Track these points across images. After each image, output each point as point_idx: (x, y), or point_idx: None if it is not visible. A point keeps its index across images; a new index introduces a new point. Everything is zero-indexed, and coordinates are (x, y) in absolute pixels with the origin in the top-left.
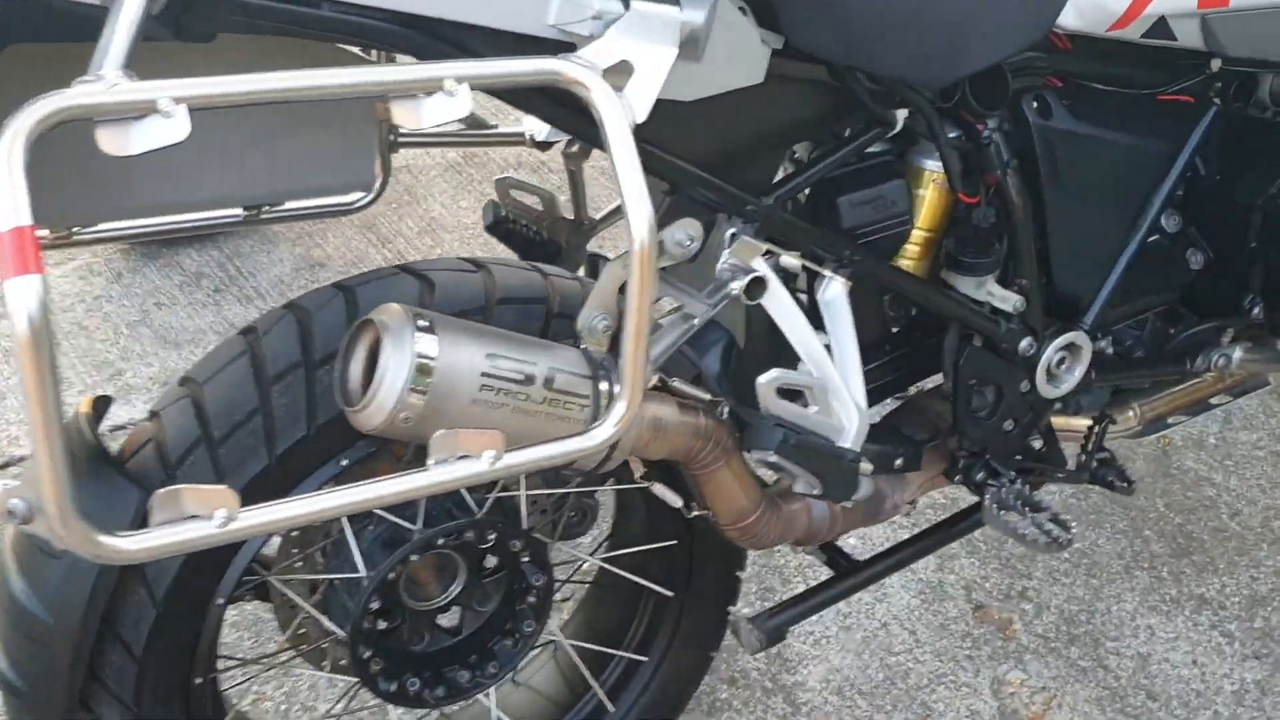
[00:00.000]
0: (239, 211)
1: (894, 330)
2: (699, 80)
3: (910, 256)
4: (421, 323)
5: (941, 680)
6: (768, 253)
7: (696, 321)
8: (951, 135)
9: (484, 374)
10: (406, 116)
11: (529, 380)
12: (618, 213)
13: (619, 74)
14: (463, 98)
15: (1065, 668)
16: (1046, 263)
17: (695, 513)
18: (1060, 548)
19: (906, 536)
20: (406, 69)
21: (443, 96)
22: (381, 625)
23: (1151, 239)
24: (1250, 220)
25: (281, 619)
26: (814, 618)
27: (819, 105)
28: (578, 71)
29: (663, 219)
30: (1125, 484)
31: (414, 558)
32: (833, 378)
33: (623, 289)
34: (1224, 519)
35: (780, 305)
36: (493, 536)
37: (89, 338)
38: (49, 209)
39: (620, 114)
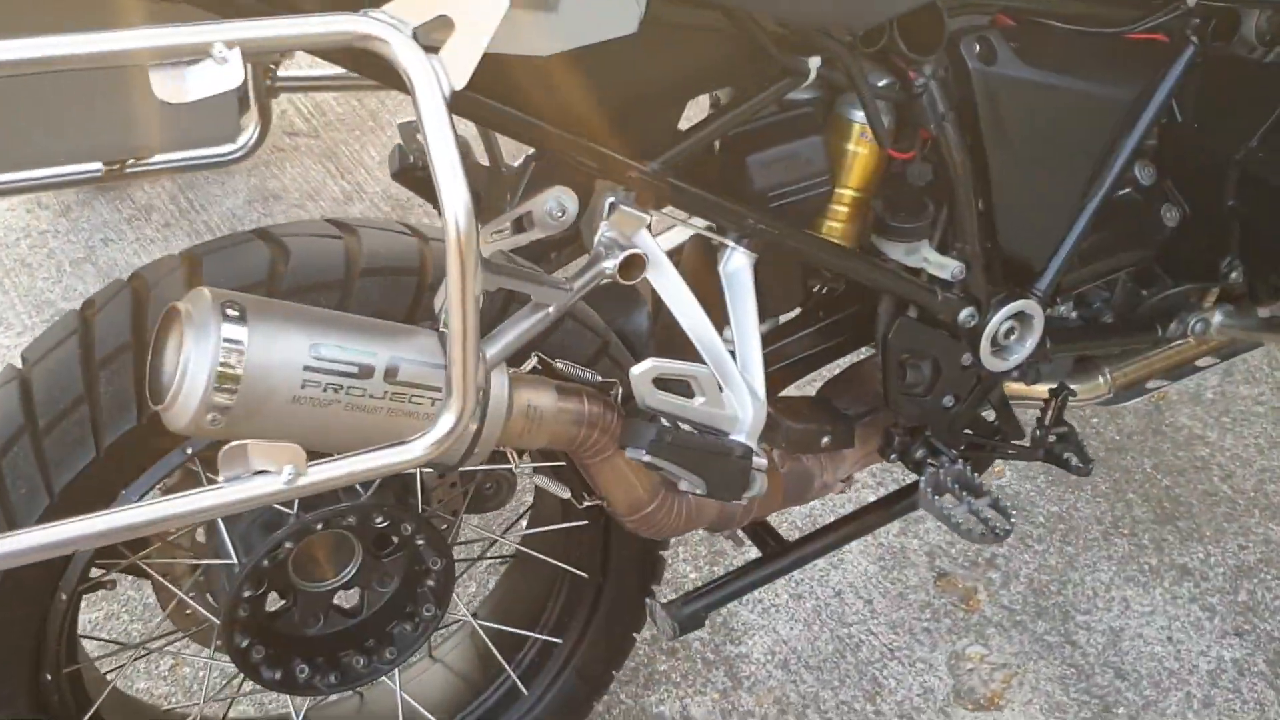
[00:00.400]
0: (97, 166)
1: (822, 294)
2: (556, 32)
3: (838, 219)
4: (230, 311)
5: (895, 654)
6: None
7: (552, 310)
8: (882, 84)
9: (307, 368)
10: (169, 89)
11: (365, 372)
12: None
13: (440, 29)
14: (235, 65)
15: (1030, 643)
16: (991, 225)
17: (588, 503)
18: (997, 539)
19: (846, 512)
20: (164, 31)
21: (211, 64)
22: (263, 611)
23: (1121, 193)
24: (1228, 173)
25: (161, 599)
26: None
27: (715, 54)
28: (379, 29)
29: (529, 186)
30: (1083, 464)
31: (289, 545)
32: (726, 365)
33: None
34: (1215, 482)
35: (665, 284)
36: (381, 521)
37: (31, 275)
38: None
39: (431, 81)
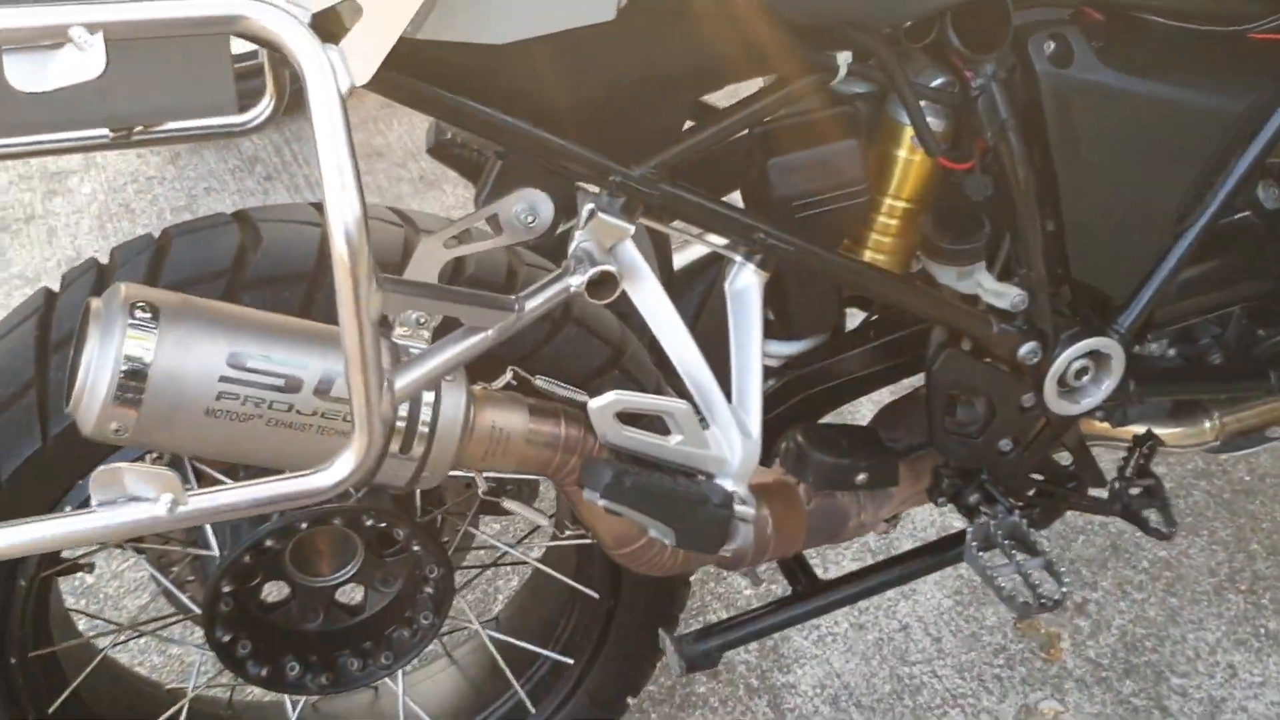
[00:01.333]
0: (104, 133)
1: (870, 317)
2: (515, 16)
3: (888, 234)
4: (140, 312)
5: (958, 701)
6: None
7: (492, 333)
8: (936, 83)
9: (224, 379)
10: (26, 77)
11: (292, 386)
12: None
13: (348, 14)
14: (97, 52)
15: (1113, 704)
16: (1062, 249)
17: (569, 532)
18: (1043, 609)
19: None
20: (17, 12)
21: (72, 50)
22: (251, 605)
23: (1239, 216)
24: None
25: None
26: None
27: (717, 48)
28: (268, 15)
29: (496, 186)
30: (1165, 527)
31: (270, 543)
32: (713, 399)
33: (444, 271)
34: None
35: (648, 303)
36: (372, 524)
37: (133, 220)
38: None
39: (326, 75)
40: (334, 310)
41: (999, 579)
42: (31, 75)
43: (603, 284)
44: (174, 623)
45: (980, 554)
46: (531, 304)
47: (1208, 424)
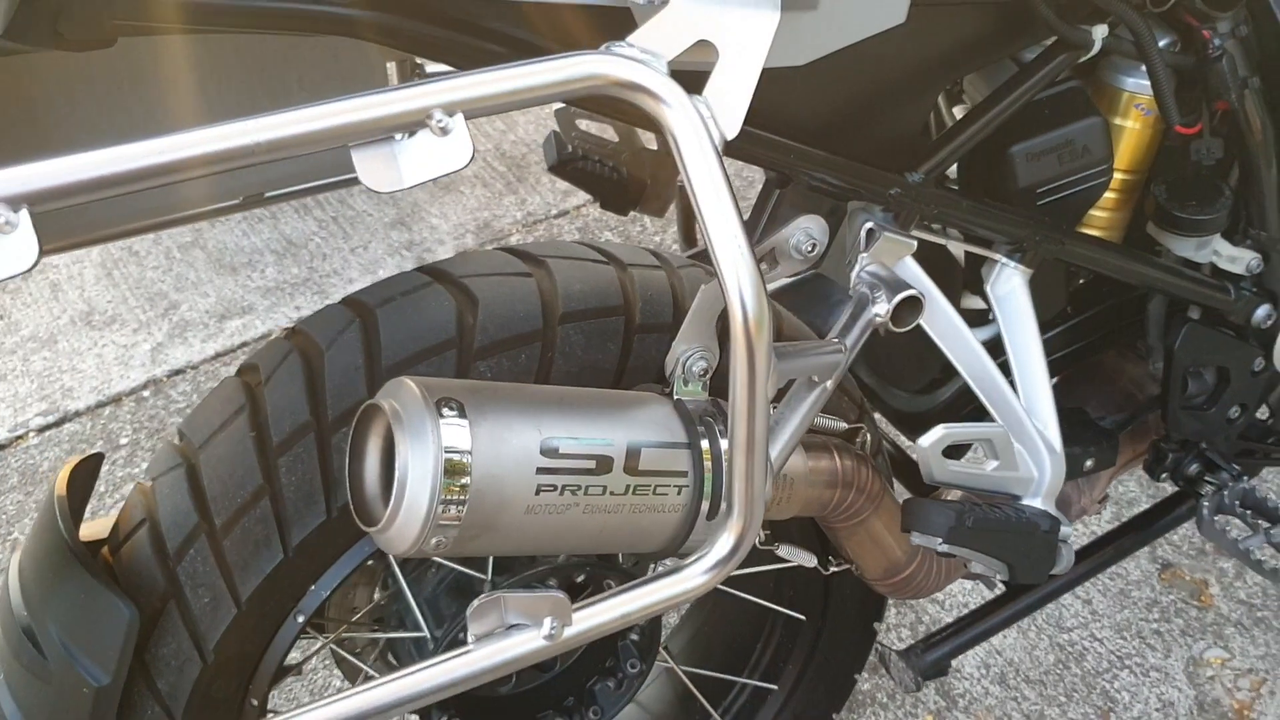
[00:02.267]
0: (236, 200)
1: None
2: (817, 34)
3: (1104, 208)
4: (448, 410)
5: (1125, 663)
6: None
7: (829, 386)
8: (1162, 44)
9: (541, 470)
10: (380, 177)
11: (604, 466)
12: None
13: (698, 53)
14: (460, 137)
15: (1277, 644)
16: None
17: (835, 568)
18: None
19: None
20: (359, 101)
21: (428, 136)
22: None
23: None
24: None
25: (346, 672)
26: (970, 585)
27: (979, 31)
28: (630, 71)
29: (773, 216)
30: None
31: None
32: (1018, 418)
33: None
34: None
35: (942, 325)
36: (581, 579)
37: (140, 264)
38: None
39: (699, 130)
40: (572, 367)
41: (1253, 553)
42: (385, 173)
43: (907, 309)
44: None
45: (1217, 524)
46: (850, 341)
47: None
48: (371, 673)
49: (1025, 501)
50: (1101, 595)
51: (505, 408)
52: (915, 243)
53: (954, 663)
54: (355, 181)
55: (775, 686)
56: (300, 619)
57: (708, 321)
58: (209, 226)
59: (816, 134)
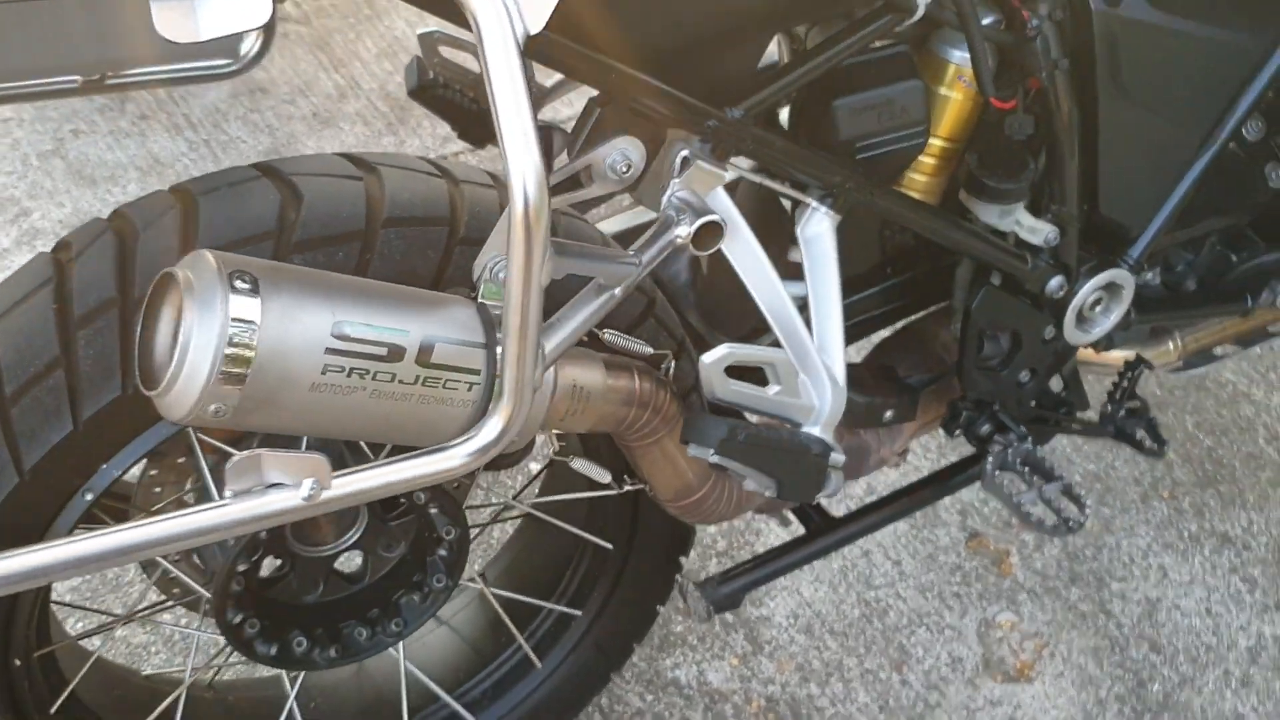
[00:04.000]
0: (74, 78)
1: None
2: None
3: (923, 172)
4: (240, 282)
5: (924, 620)
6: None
7: (618, 293)
8: (987, 22)
9: (330, 350)
10: (178, 28)
11: (395, 354)
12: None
13: None
14: None
15: (1063, 611)
16: (1092, 186)
17: (629, 486)
18: (1069, 531)
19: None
20: None
21: None
22: (257, 581)
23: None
24: None
25: (146, 566)
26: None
27: None
28: None
29: (592, 134)
30: (1156, 444)
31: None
32: (804, 347)
33: None
34: (1260, 443)
35: (743, 255)
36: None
37: None
38: None
39: (503, 22)
40: (389, 269)
41: (1024, 505)
42: (179, 26)
43: (708, 233)
44: (167, 608)
45: (1000, 479)
46: (647, 257)
47: (1171, 345)
48: (166, 565)
49: (806, 429)
50: (911, 558)
51: (302, 287)
52: (727, 174)
53: (765, 611)
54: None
55: (579, 613)
56: (89, 497)
57: None
58: (72, 136)
59: (643, 59)
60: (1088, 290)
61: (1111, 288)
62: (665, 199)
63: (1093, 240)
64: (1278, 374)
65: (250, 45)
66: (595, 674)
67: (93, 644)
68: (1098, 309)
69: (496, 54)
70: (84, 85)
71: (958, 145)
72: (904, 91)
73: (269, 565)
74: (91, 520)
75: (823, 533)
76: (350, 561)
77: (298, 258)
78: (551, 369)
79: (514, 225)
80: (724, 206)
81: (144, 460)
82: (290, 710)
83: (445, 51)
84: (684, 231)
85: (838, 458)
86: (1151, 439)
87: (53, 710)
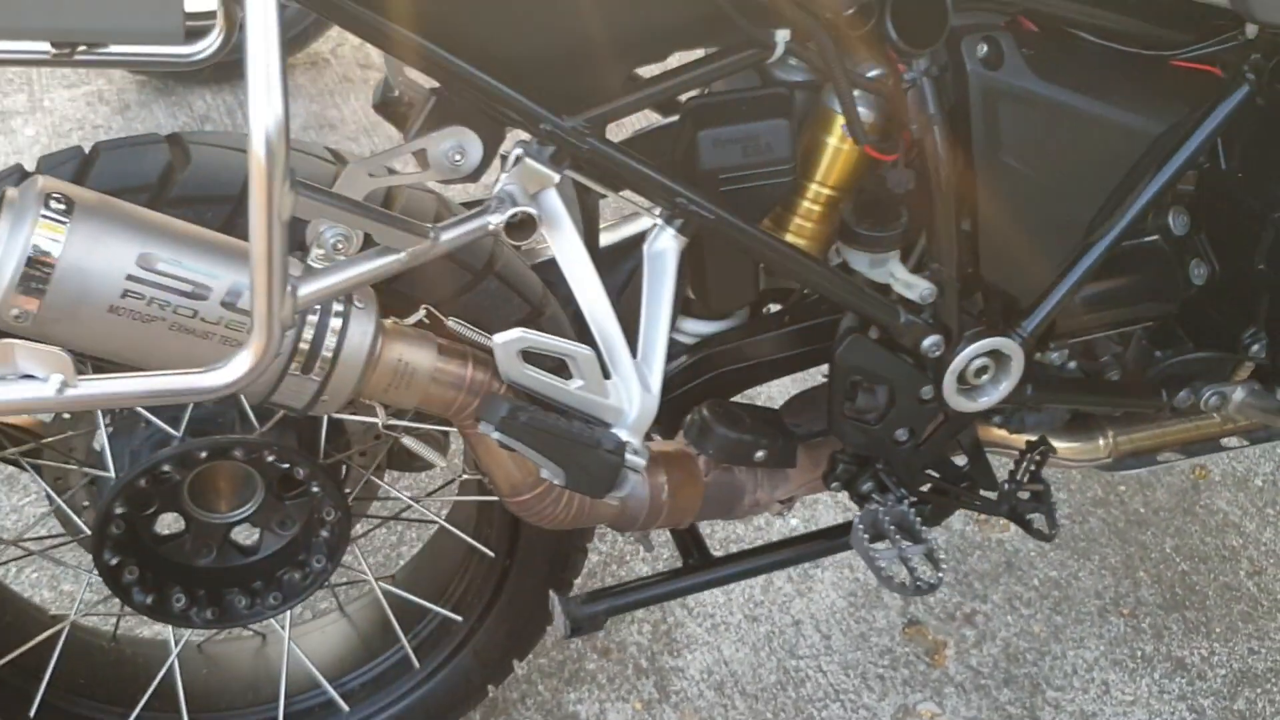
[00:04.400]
0: (46, 47)
1: (797, 299)
2: None
3: (810, 219)
4: (55, 203)
5: (840, 696)
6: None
7: (405, 256)
8: (871, 74)
9: (130, 277)
10: None
11: (199, 293)
12: None
13: None
14: None
15: (989, 710)
16: (975, 249)
17: (467, 476)
18: (919, 592)
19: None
20: None
21: None
22: (143, 532)
23: (1148, 240)
24: (1264, 233)
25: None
26: (722, 598)
27: (656, 13)
28: None
29: (428, 120)
30: (1047, 530)
31: (166, 468)
32: (617, 351)
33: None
34: (1240, 576)
35: (565, 251)
36: (274, 460)
37: None
38: None
39: None
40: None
41: (878, 560)
42: None
43: (521, 226)
44: (62, 544)
45: (866, 539)
46: (447, 235)
47: (1101, 441)
48: (59, 500)
49: (615, 430)
50: (842, 634)
51: (119, 218)
52: (557, 175)
53: (680, 662)
54: (167, 65)
55: (460, 618)
56: None
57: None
58: None
59: (487, 56)
60: (968, 355)
61: (999, 357)
62: (495, 189)
63: (987, 308)
64: (1276, 510)
65: (211, 40)
66: (471, 683)
67: None
68: (985, 378)
69: (255, 19)
70: (55, 57)
71: (843, 195)
72: (769, 129)
73: (170, 524)
74: None
75: (697, 569)
76: (249, 534)
77: (170, 210)
78: (370, 340)
79: (252, 156)
80: (552, 207)
81: None
82: (171, 666)
83: (409, 72)
84: (497, 219)
85: (637, 460)
86: (1046, 524)
87: None
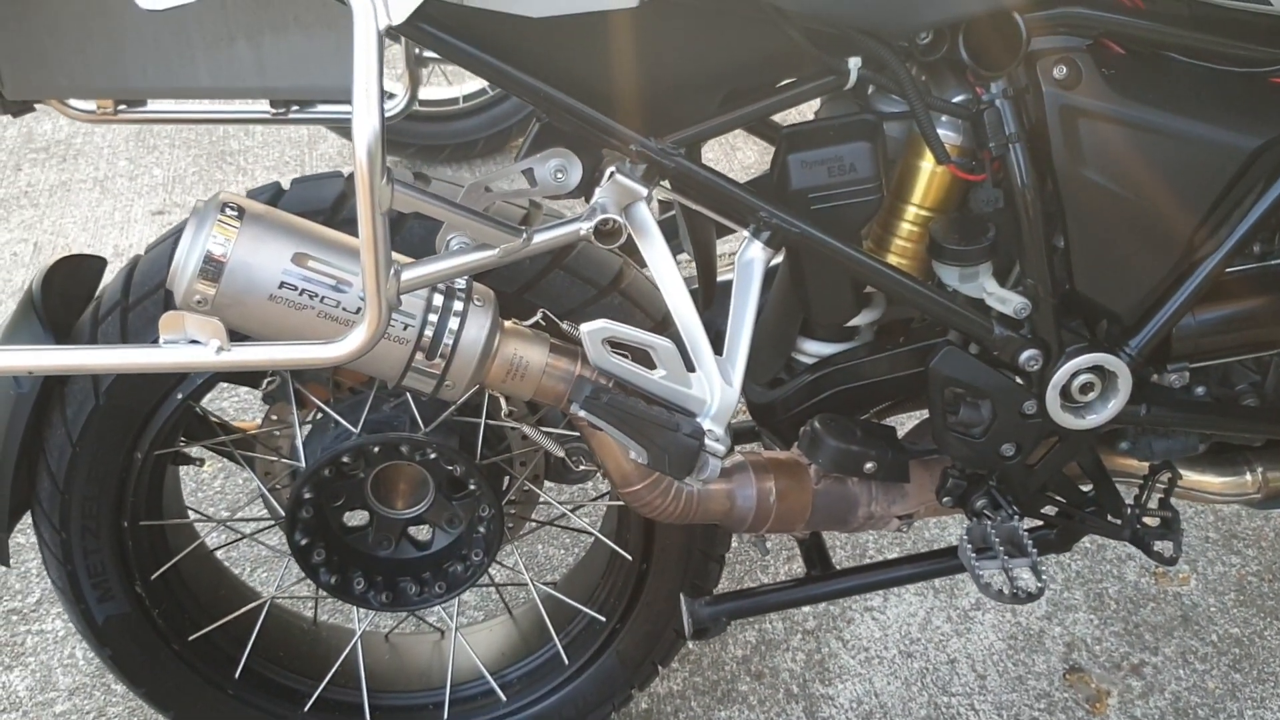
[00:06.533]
0: (266, 108)
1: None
2: None
3: (910, 239)
4: (230, 211)
5: None
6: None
7: (495, 253)
8: (958, 99)
9: (286, 271)
10: None
11: (341, 288)
12: None
13: None
14: None
15: None
16: (1069, 265)
17: (583, 467)
18: (1019, 602)
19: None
20: None
21: None
22: (333, 520)
23: (1273, 263)
24: None
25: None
26: (878, 633)
27: (734, 45)
28: None
29: (532, 144)
30: (1171, 556)
31: (346, 459)
32: (700, 346)
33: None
34: None
35: (654, 258)
36: (434, 456)
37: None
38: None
39: (368, 12)
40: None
41: (979, 570)
42: None
43: (610, 233)
44: (266, 528)
45: (973, 553)
46: (540, 237)
47: (1249, 475)
48: (260, 484)
49: (700, 420)
50: (998, 675)
51: (279, 224)
52: (645, 191)
53: (831, 690)
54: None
55: (604, 619)
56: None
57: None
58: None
59: (580, 84)
60: (1069, 370)
61: (1105, 375)
62: (592, 201)
63: (1088, 323)
64: None
65: (398, 102)
66: (615, 681)
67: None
68: (1091, 394)
69: (362, 36)
70: (274, 116)
71: (939, 215)
72: (852, 151)
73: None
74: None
75: (818, 580)
76: (424, 532)
77: (341, 228)
78: (486, 334)
79: (357, 163)
80: (642, 219)
81: None
82: (355, 646)
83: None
84: (586, 225)
85: (717, 447)
86: (1171, 550)
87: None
